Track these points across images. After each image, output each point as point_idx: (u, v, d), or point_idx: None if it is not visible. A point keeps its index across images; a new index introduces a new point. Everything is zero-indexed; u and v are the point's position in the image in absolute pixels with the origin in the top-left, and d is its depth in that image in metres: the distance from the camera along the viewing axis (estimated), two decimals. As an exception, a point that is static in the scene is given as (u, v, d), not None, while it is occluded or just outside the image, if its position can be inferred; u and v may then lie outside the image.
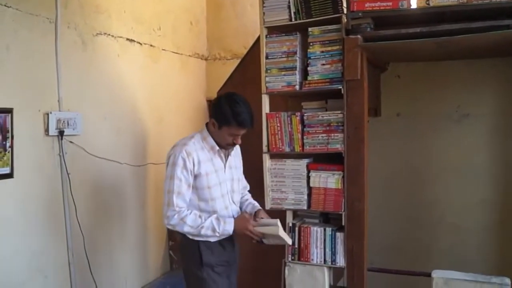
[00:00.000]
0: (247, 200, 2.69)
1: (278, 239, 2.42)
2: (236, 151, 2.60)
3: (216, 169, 2.42)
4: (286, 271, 2.96)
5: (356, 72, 2.64)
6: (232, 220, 2.38)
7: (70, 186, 2.81)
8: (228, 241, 2.47)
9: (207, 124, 2.46)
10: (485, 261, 3.34)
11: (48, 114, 2.69)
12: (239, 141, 2.42)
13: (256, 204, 2.67)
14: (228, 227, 2.35)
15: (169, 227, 2.37)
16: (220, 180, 2.43)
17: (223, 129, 2.35)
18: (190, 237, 2.39)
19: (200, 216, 2.33)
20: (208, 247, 2.40)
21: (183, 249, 2.50)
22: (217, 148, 2.42)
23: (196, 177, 2.35)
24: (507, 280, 2.54)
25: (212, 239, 2.39)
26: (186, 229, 2.32)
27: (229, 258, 2.51)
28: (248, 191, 2.77)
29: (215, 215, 2.37)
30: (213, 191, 2.40)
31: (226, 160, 2.49)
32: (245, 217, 2.42)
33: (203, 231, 2.32)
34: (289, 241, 2.49)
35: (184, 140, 2.41)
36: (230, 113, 2.31)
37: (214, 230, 2.32)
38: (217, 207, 2.41)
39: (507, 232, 3.35)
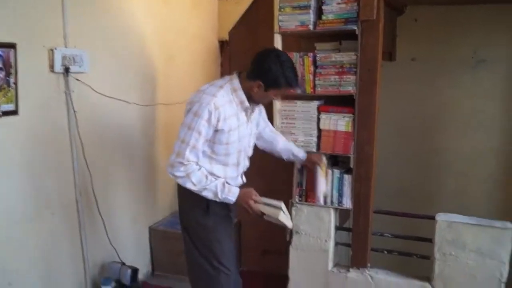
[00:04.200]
0: (291, 148, 2.65)
1: (278, 221, 2.31)
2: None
3: (240, 124, 2.28)
4: (293, 212, 2.99)
5: (372, 12, 2.55)
6: (237, 191, 2.25)
7: (77, 124, 2.77)
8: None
9: (239, 75, 2.28)
10: (489, 208, 3.38)
11: (53, 50, 2.60)
12: (280, 98, 2.32)
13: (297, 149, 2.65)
14: (231, 197, 2.23)
15: (171, 176, 2.21)
16: (240, 135, 2.30)
17: (271, 91, 2.22)
18: None
19: (206, 177, 2.19)
20: None
21: (185, 196, 2.35)
22: (247, 104, 2.26)
23: (217, 132, 2.20)
24: (510, 225, 2.58)
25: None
26: (188, 185, 2.19)
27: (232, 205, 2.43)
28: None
29: (222, 180, 2.24)
30: (230, 147, 2.27)
31: (251, 115, 2.37)
32: (250, 192, 2.28)
33: (204, 192, 2.21)
34: (289, 224, 2.37)
35: (212, 89, 2.21)
36: (281, 76, 2.16)
37: (216, 194, 2.21)
38: (229, 161, 2.31)
39: (513, 180, 3.36)
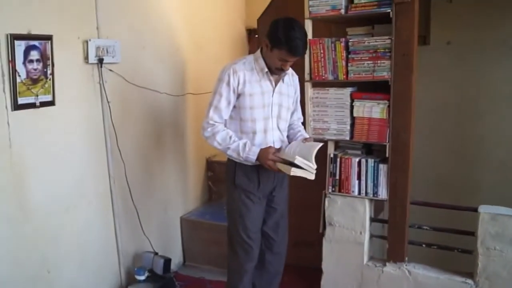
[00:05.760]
0: (299, 131, 2.63)
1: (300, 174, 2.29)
2: (293, 81, 2.57)
3: (263, 91, 2.41)
4: (326, 203, 2.94)
5: (407, -6, 2.47)
6: (258, 150, 2.36)
7: (110, 114, 2.81)
8: (265, 171, 2.44)
9: (261, 48, 2.42)
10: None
11: (87, 42, 2.64)
12: (287, 67, 2.37)
13: (305, 135, 2.61)
14: (252, 156, 2.35)
15: (204, 138, 2.44)
16: (265, 102, 2.42)
17: (274, 51, 2.30)
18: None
19: (230, 137, 2.37)
20: (243, 171, 2.45)
21: (226, 169, 2.57)
22: (266, 70, 2.38)
23: (239, 96, 2.37)
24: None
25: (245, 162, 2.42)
26: (215, 144, 2.39)
27: (267, 188, 2.52)
28: (302, 123, 2.74)
29: (244, 140, 2.38)
30: (255, 113, 2.40)
31: (276, 85, 2.45)
32: (269, 150, 2.36)
33: (229, 152, 2.38)
34: (309, 177, 2.31)
35: (235, 61, 2.43)
36: (283, 37, 2.24)
37: (238, 153, 2.36)
38: (257, 128, 2.41)
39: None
